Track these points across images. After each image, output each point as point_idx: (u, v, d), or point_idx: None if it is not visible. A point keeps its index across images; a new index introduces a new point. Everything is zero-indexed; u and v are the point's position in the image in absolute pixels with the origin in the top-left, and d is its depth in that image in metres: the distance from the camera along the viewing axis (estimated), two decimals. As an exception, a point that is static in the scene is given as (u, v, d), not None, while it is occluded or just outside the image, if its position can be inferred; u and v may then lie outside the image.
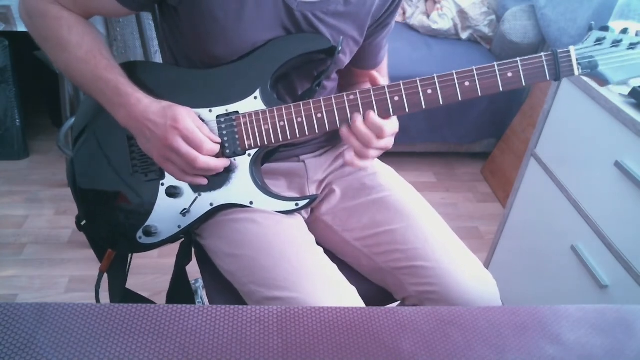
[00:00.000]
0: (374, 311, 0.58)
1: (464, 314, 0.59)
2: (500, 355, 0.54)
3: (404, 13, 2.65)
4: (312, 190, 0.96)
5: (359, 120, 0.75)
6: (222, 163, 0.78)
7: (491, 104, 2.27)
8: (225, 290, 0.88)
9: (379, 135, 0.75)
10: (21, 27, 1.77)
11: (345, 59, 0.87)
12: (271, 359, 0.51)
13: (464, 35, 2.48)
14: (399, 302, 0.92)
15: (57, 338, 0.51)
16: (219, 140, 0.78)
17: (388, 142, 0.77)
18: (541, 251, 1.37)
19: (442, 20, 2.45)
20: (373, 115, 0.74)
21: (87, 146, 0.87)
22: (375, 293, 0.92)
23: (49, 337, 0.51)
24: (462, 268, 0.83)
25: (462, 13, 2.43)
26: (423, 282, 0.83)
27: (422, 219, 0.89)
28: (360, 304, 0.79)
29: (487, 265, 1.64)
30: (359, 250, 0.90)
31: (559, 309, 0.61)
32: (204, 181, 0.80)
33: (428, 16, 2.51)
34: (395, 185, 0.94)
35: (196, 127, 0.74)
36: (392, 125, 0.77)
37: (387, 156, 0.82)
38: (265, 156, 0.87)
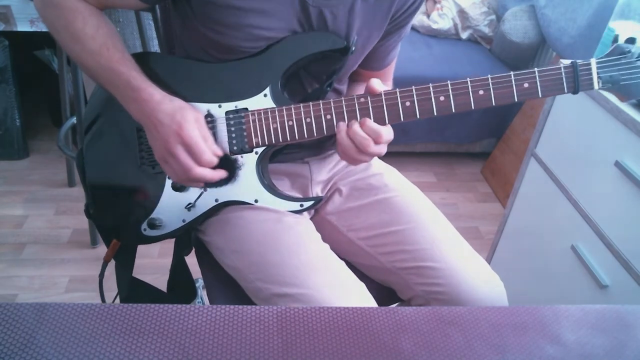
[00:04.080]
0: (374, 311, 0.58)
1: (464, 314, 0.59)
2: (500, 355, 0.54)
3: (404, 13, 2.65)
4: (315, 190, 0.96)
5: (355, 124, 0.75)
6: (218, 175, 0.77)
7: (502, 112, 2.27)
8: (225, 290, 0.88)
9: (377, 140, 0.74)
10: (21, 27, 1.77)
11: (358, 59, 0.86)
12: (271, 359, 0.51)
13: (464, 35, 2.48)
14: (404, 302, 0.92)
15: (57, 338, 0.51)
16: (221, 153, 0.77)
17: (382, 149, 0.77)
18: (541, 251, 1.38)
19: (442, 20, 2.45)
20: (370, 122, 0.74)
21: (97, 136, 0.87)
22: (380, 293, 0.92)
23: (49, 337, 0.51)
24: (470, 269, 0.84)
25: (462, 13, 2.43)
26: (431, 282, 0.83)
27: (428, 220, 0.89)
28: (370, 299, 0.80)
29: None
30: (364, 250, 0.91)
31: (559, 309, 0.61)
32: (200, 184, 0.80)
33: (428, 16, 2.51)
34: (401, 186, 0.94)
35: (201, 136, 0.73)
36: (388, 132, 0.76)
37: (387, 156, 0.82)
38: (272, 155, 0.87)
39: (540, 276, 1.38)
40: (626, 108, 1.07)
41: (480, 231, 2.06)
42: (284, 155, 0.91)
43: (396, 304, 0.95)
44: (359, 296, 0.78)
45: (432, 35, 2.50)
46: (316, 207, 0.95)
